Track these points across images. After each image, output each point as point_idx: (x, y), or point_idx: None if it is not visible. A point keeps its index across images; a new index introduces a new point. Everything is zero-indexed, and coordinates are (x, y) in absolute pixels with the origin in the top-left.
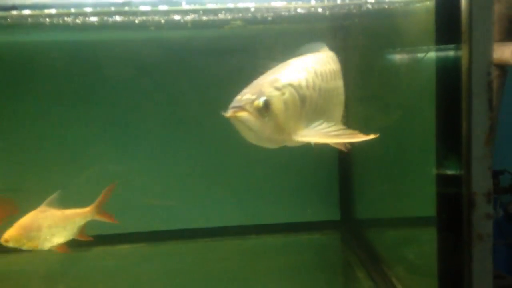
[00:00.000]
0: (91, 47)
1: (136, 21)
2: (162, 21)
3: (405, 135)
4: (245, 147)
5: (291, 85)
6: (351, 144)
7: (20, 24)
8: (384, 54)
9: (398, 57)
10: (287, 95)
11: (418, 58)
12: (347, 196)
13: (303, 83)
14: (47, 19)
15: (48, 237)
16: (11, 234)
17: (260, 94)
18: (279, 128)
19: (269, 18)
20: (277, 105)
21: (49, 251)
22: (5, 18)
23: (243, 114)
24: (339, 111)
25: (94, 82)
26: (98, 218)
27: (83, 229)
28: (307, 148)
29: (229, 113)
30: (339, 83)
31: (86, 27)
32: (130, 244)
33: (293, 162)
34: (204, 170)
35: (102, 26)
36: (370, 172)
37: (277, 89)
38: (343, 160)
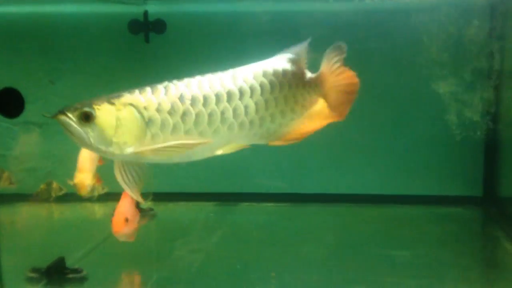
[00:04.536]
0: None
1: None
2: None
3: None
4: (392, 120)
5: (132, 104)
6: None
7: None
8: None
9: None
10: (123, 112)
11: None
12: (492, 174)
13: (153, 106)
14: None
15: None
16: None
17: (88, 104)
18: (106, 141)
19: None
20: (104, 119)
21: None
22: None
23: (61, 118)
24: (245, 131)
25: None
26: None
27: None
28: (453, 124)
29: (51, 114)
30: (243, 103)
31: None
32: (274, 203)
33: (439, 137)
34: (352, 140)
35: None
36: None
37: (112, 104)
38: (490, 138)
